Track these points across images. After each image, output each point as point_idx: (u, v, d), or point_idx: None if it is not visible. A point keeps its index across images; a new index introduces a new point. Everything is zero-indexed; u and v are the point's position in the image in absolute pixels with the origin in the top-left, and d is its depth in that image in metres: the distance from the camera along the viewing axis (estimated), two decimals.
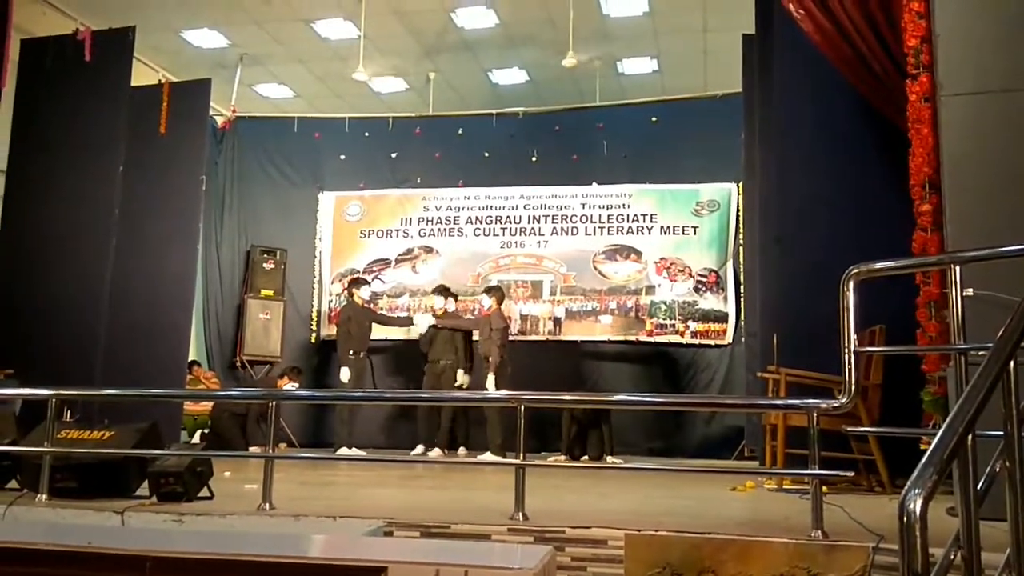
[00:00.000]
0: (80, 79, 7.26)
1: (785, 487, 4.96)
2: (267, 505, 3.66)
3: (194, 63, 9.05)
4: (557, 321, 9.35)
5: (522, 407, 3.61)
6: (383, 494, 4.81)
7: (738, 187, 8.79)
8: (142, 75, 8.18)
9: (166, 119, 7.97)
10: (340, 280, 9.75)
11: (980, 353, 2.48)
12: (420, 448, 7.81)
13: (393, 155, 10.02)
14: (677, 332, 9.03)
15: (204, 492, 4.02)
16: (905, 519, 1.50)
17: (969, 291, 3.01)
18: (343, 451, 7.69)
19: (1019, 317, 2.23)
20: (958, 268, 2.94)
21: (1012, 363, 2.11)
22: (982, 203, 3.65)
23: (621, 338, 9.13)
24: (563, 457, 7.51)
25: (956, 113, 3.77)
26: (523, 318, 9.33)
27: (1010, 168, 3.68)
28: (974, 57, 3.84)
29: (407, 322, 9.07)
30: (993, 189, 3.67)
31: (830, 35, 5.00)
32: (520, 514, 3.37)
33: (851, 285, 3.04)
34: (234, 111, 10.03)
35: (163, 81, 8.46)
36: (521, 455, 3.55)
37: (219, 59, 9.25)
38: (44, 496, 3.94)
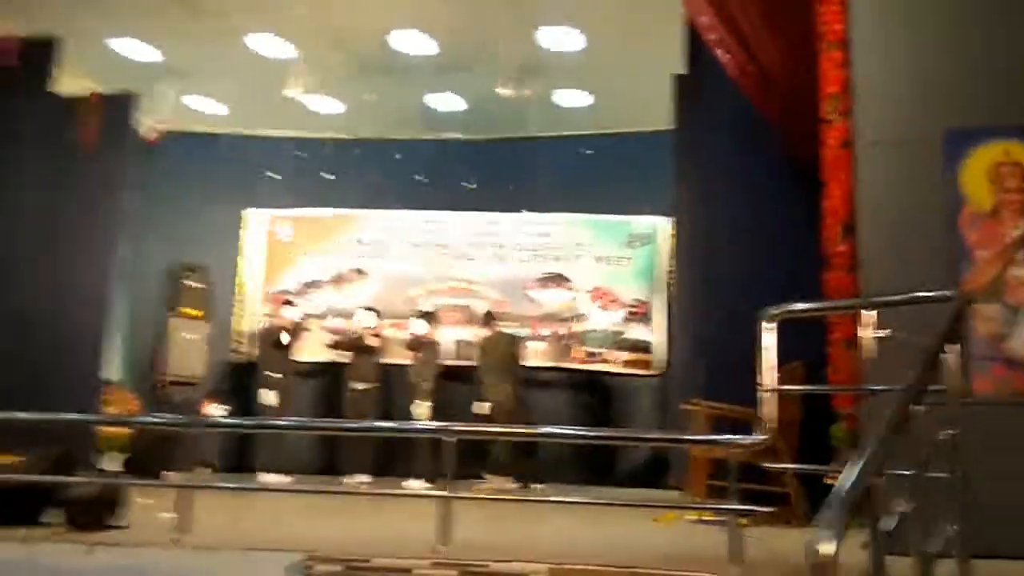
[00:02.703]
0: (1, 85, 7.01)
1: (705, 519, 5.05)
2: (183, 536, 3.55)
3: (122, 75, 8.81)
4: None
5: (455, 439, 3.60)
6: (305, 525, 4.72)
7: (672, 221, 8.95)
8: (66, 84, 7.93)
9: (89, 131, 7.74)
10: (269, 300, 9.58)
11: (891, 392, 2.58)
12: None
13: (327, 176, 9.92)
14: (607, 361, 9.13)
15: (119, 521, 3.89)
16: (815, 561, 1.55)
17: (881, 332, 3.14)
18: (264, 476, 7.52)
19: (925, 362, 2.34)
20: (874, 312, 3.06)
21: (920, 405, 2.21)
22: (895, 247, 3.81)
23: (552, 364, 9.18)
24: (493, 481, 7.47)
25: (872, 160, 3.94)
26: (457, 343, 9.30)
27: (921, 215, 3.86)
28: (891, 108, 4.03)
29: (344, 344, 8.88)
30: (905, 234, 3.84)
31: (753, 78, 5.18)
32: (444, 548, 3.35)
33: (767, 325, 3.13)
34: (162, 125, 9.79)
35: (88, 92, 8.21)
36: (447, 488, 3.54)
37: (149, 71, 9.03)
38: None
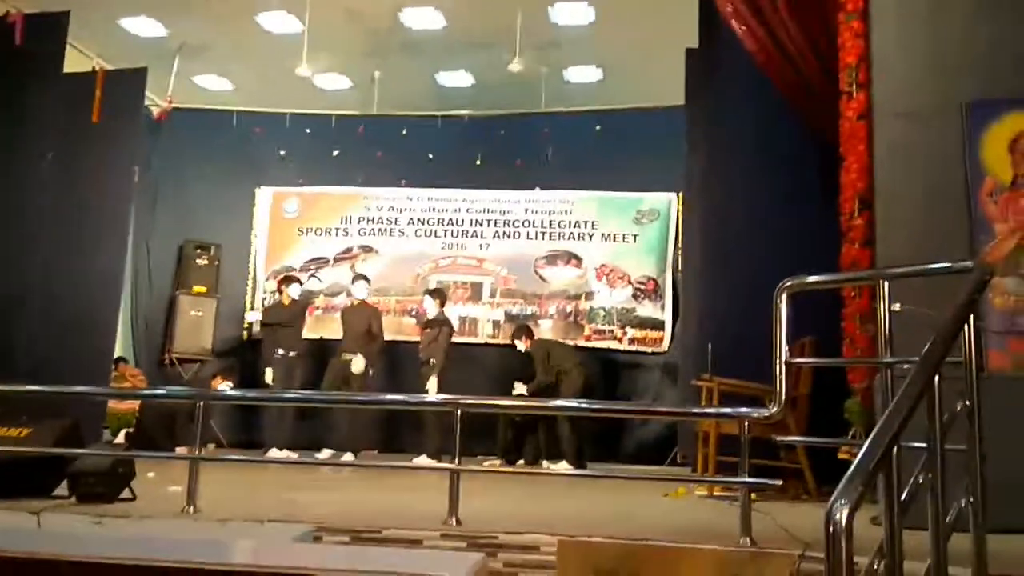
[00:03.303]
0: (9, 64, 6.98)
1: (715, 494, 5.04)
2: (191, 508, 3.55)
3: (131, 51, 8.77)
4: (496, 324, 9.34)
5: (459, 411, 3.58)
6: (313, 498, 4.72)
7: (678, 197, 8.90)
8: (76, 62, 7.89)
9: (99, 108, 7.70)
10: (275, 277, 9.57)
11: (906, 366, 2.54)
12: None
13: (335, 153, 9.90)
14: (615, 338, 9.10)
15: (126, 493, 3.89)
16: (831, 529, 1.52)
17: (897, 306, 3.09)
18: (273, 452, 7.53)
19: (943, 335, 2.29)
20: (887, 283, 3.01)
21: (936, 378, 2.17)
22: (912, 220, 3.76)
23: (546, 339, 9.15)
24: (499, 461, 7.49)
25: (890, 133, 3.89)
26: (462, 320, 9.28)
27: (940, 188, 3.80)
28: (910, 79, 3.96)
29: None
30: (923, 207, 3.78)
31: (770, 52, 5.10)
32: (453, 519, 3.34)
33: (784, 298, 3.09)
34: (171, 102, 9.76)
35: (97, 69, 8.18)
36: (457, 460, 3.53)
37: (157, 48, 8.98)
38: None
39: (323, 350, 9.12)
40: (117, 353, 8.47)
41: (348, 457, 7.41)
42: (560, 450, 7.44)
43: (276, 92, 9.85)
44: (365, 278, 8.39)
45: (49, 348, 6.76)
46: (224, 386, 7.88)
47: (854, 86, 4.06)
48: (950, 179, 3.76)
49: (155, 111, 9.75)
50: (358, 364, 7.71)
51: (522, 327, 8.27)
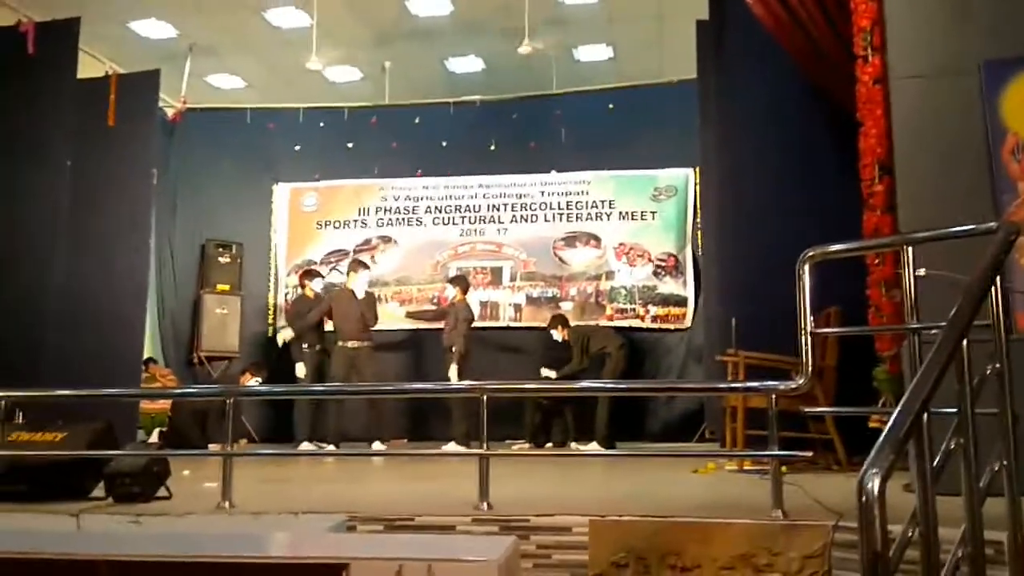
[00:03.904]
0: (24, 73, 7.03)
1: (745, 468, 5.02)
2: (226, 503, 3.60)
3: (142, 54, 8.83)
4: (518, 308, 9.35)
5: (485, 397, 3.59)
6: (345, 489, 4.77)
7: (695, 172, 8.85)
8: (89, 67, 7.95)
9: (114, 112, 7.76)
10: (296, 272, 9.63)
11: (933, 332, 2.52)
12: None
13: (349, 145, 9.91)
14: (637, 316, 9.08)
15: (162, 492, 3.95)
16: (864, 498, 1.51)
17: (922, 271, 3.05)
18: (305, 446, 7.60)
19: (970, 296, 2.26)
20: (911, 249, 2.97)
21: (965, 341, 2.15)
22: (933, 184, 3.71)
23: (582, 324, 9.15)
24: (527, 445, 7.52)
25: (907, 95, 3.83)
26: (483, 305, 9.30)
27: (960, 149, 3.74)
28: (924, 40, 3.90)
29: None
30: (944, 170, 3.73)
31: (781, 18, 5.03)
32: (485, 504, 3.36)
33: (807, 268, 3.06)
34: (184, 103, 9.81)
35: (110, 73, 8.24)
36: (484, 445, 3.54)
37: (168, 50, 9.03)
38: None
39: None
40: (146, 354, 8.58)
41: (377, 446, 7.47)
42: (592, 432, 7.46)
43: (288, 88, 9.89)
44: (364, 265, 8.37)
45: (78, 353, 6.85)
46: (254, 382, 7.97)
47: (869, 50, 4.00)
48: (971, 139, 3.70)
49: (169, 112, 9.81)
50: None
51: (557, 316, 8.30)
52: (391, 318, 9.08)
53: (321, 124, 9.98)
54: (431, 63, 9.60)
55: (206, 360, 9.43)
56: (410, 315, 8.29)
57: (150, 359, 8.92)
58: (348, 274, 8.30)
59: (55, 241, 6.83)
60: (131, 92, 7.87)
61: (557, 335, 8.06)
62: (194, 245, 9.78)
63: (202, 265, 9.66)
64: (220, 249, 9.63)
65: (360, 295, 8.06)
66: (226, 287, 9.58)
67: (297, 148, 9.96)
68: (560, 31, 8.79)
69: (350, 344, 7.82)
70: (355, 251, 9.73)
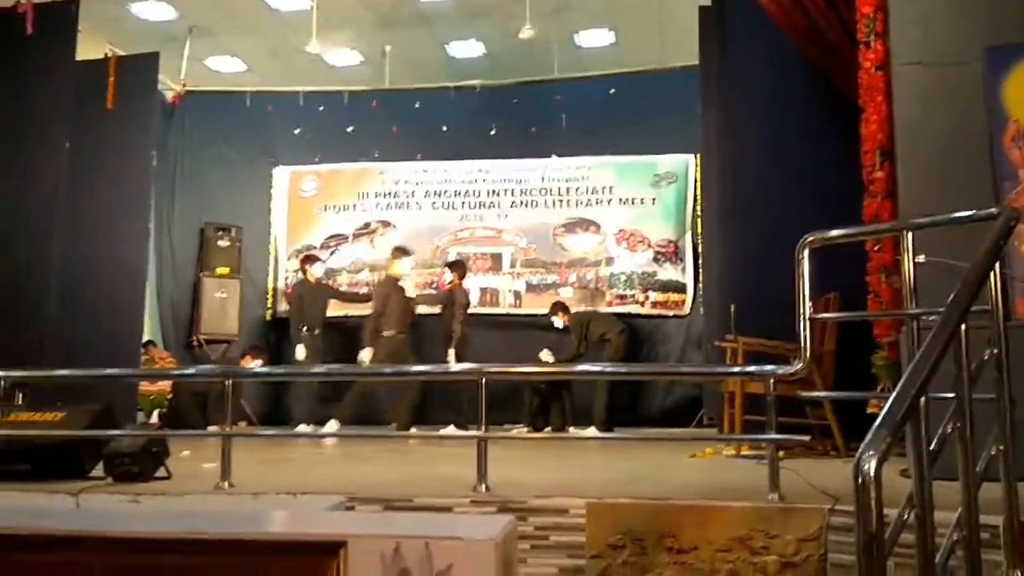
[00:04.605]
0: (22, 54, 7.00)
1: (743, 453, 5.04)
2: (225, 484, 3.62)
3: (142, 36, 8.78)
4: (517, 294, 9.36)
5: (483, 379, 3.60)
6: (344, 470, 4.79)
7: (696, 158, 8.83)
8: (87, 49, 7.91)
9: (113, 94, 7.74)
10: (296, 256, 9.62)
11: (931, 318, 2.52)
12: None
13: (349, 129, 9.88)
14: (637, 302, 9.09)
15: (161, 472, 3.96)
16: (860, 480, 1.52)
17: (921, 257, 3.05)
18: (302, 428, 7.62)
19: (969, 282, 2.27)
20: (911, 235, 2.97)
21: (963, 326, 2.16)
22: (934, 170, 3.71)
23: (582, 310, 9.15)
24: (526, 429, 7.54)
25: (909, 82, 3.82)
26: (483, 291, 9.31)
27: (961, 136, 3.74)
28: (927, 27, 3.88)
29: (365, 298, 8.92)
30: (945, 157, 3.73)
31: (783, 4, 5.02)
32: (483, 486, 3.38)
33: (806, 254, 3.07)
34: (184, 85, 9.78)
35: (109, 55, 8.20)
36: (483, 427, 3.55)
37: (167, 32, 8.98)
38: None
39: (348, 327, 9.19)
40: (146, 337, 8.59)
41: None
42: (590, 417, 7.48)
43: (288, 71, 9.84)
44: (405, 252, 8.35)
45: (78, 335, 6.86)
46: (254, 364, 7.98)
47: (872, 36, 3.98)
48: (972, 126, 3.69)
49: (169, 95, 9.78)
50: (364, 357, 7.71)
51: (557, 303, 8.32)
52: None
53: (321, 108, 9.95)
54: (432, 47, 9.55)
55: (205, 343, 9.44)
56: (410, 300, 8.28)
57: (149, 342, 8.93)
58: (392, 262, 8.23)
59: (54, 224, 6.81)
60: (130, 74, 7.84)
61: (558, 322, 8.08)
62: (193, 228, 9.76)
63: (201, 248, 9.65)
64: (219, 232, 9.62)
65: (404, 283, 8.05)
66: (225, 270, 9.58)
67: (297, 131, 9.93)
68: (561, 16, 8.74)
69: (394, 333, 7.75)
70: (354, 235, 9.72)
